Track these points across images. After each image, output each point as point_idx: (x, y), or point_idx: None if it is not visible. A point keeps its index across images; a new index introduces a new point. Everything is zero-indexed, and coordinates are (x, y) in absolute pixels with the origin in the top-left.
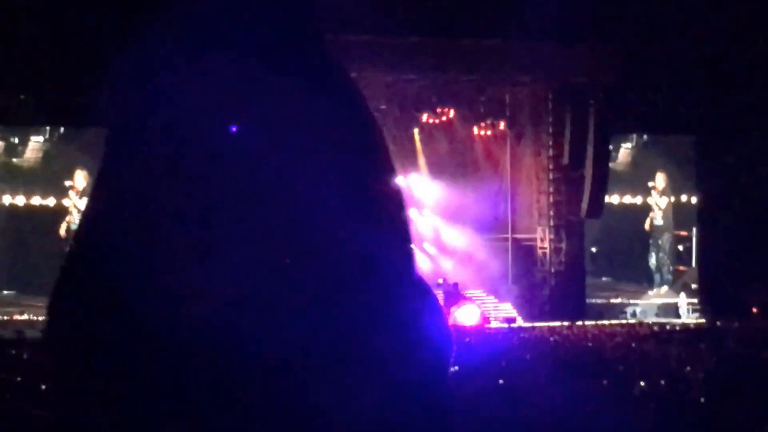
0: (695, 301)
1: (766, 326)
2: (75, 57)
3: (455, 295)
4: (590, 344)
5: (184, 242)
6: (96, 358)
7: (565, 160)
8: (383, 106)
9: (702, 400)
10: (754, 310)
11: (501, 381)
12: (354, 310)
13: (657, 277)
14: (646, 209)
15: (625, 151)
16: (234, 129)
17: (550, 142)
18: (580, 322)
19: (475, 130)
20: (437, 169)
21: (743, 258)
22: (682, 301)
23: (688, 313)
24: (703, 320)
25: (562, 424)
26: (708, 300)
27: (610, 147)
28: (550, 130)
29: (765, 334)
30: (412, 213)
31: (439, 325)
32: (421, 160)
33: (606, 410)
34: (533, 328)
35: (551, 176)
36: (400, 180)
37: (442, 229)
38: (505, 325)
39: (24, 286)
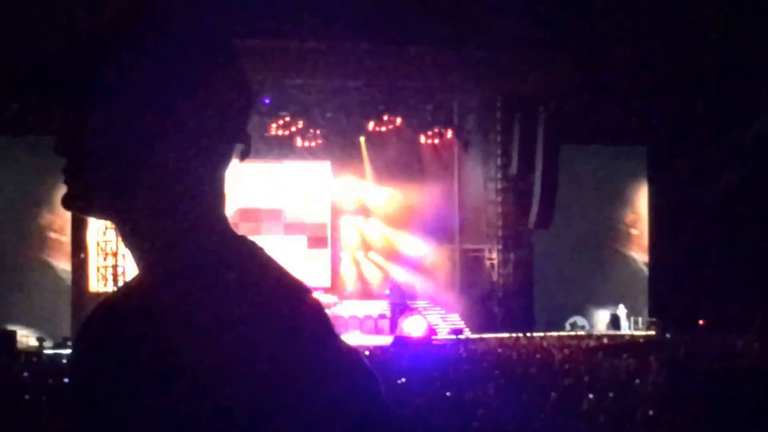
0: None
1: (713, 339)
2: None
3: (402, 306)
4: (539, 356)
5: None
6: None
7: (514, 169)
8: (329, 114)
9: (651, 413)
10: (701, 322)
11: (448, 393)
12: None
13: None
14: None
15: None
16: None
17: (499, 151)
18: (528, 334)
19: (423, 138)
20: (384, 177)
21: (693, 271)
22: (622, 312)
23: (629, 326)
24: (652, 332)
25: None
26: (658, 313)
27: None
28: (499, 138)
29: (712, 347)
30: (360, 221)
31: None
32: (368, 168)
33: (555, 422)
34: (481, 339)
35: (499, 186)
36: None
37: (389, 238)
38: (453, 337)
39: None
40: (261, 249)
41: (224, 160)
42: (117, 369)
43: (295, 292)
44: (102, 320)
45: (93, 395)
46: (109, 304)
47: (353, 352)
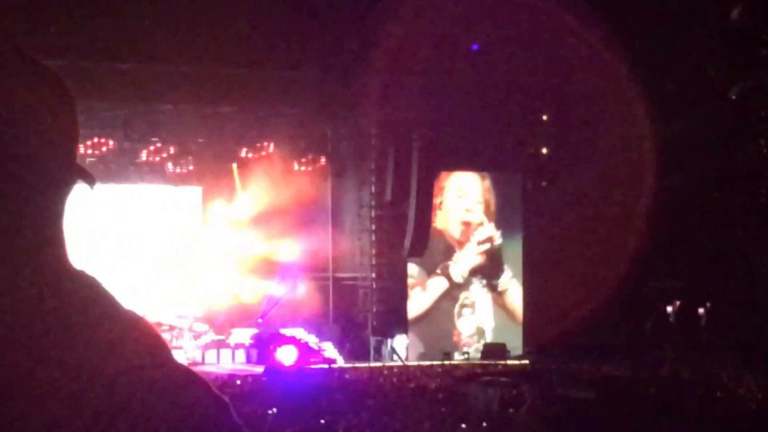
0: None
1: (584, 368)
2: None
3: (274, 334)
4: (412, 385)
5: None
6: None
7: (388, 196)
8: (201, 140)
9: None
10: (572, 351)
11: (322, 421)
12: None
13: None
14: None
15: None
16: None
17: (373, 178)
18: (401, 363)
19: (296, 165)
20: (256, 204)
21: (564, 299)
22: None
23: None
24: (526, 362)
25: None
26: (531, 341)
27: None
28: (373, 165)
29: (583, 376)
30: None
31: None
32: (240, 195)
33: None
34: (354, 368)
35: (373, 213)
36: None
37: (261, 267)
38: (326, 366)
39: None
40: (95, 280)
41: (56, 188)
42: None
43: (126, 321)
44: None
45: None
46: None
47: (192, 381)
